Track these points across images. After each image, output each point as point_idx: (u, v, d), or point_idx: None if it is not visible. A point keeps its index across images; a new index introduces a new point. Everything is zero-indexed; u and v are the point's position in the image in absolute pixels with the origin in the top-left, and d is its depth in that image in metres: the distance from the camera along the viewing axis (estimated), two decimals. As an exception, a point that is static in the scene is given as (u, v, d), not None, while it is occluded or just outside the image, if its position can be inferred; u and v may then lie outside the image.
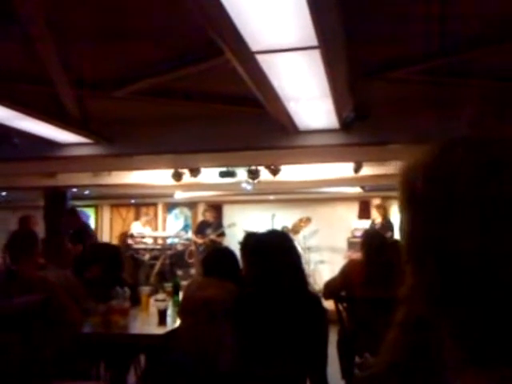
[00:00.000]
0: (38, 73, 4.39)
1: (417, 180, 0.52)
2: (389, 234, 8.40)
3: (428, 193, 0.50)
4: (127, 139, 6.00)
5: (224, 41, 3.23)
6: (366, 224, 9.81)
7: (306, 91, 4.32)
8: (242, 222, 10.32)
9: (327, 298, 4.08)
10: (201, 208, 11.77)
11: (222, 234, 10.17)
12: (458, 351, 0.49)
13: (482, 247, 0.46)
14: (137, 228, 11.00)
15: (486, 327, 0.46)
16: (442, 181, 0.50)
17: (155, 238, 11.24)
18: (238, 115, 5.42)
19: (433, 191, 0.50)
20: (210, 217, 10.44)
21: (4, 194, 10.34)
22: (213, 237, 9.99)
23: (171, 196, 10.95)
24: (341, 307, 4.11)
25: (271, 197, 11.01)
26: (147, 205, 12.43)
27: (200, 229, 10.41)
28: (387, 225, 9.16)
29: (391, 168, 6.91)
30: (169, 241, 11.35)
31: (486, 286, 0.46)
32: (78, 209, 12.32)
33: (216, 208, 11.40)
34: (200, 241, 10.10)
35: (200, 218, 11.24)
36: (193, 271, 10.25)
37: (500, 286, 0.45)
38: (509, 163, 0.48)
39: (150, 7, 3.41)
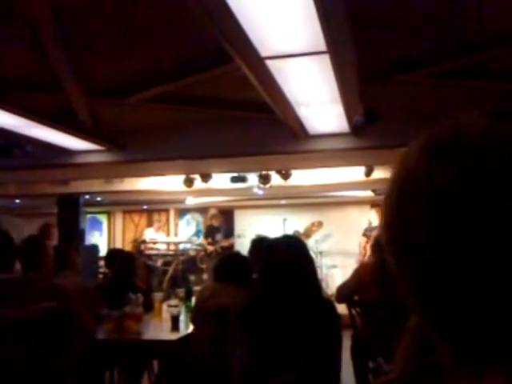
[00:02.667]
0: (51, 81, 4.44)
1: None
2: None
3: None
4: (139, 146, 6.04)
5: (234, 47, 3.25)
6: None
7: (315, 96, 4.33)
8: (254, 227, 10.31)
9: (339, 301, 4.07)
10: (211, 213, 11.79)
11: (231, 246, 10.12)
12: (451, 357, 0.49)
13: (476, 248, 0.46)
14: (150, 234, 11.05)
15: (480, 329, 0.46)
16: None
17: (167, 244, 11.27)
18: (248, 121, 5.44)
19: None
20: (215, 222, 10.44)
21: (18, 201, 10.44)
22: (224, 244, 9.99)
23: (183, 202, 10.99)
24: (354, 312, 4.10)
25: (282, 201, 11.01)
26: (159, 211, 12.48)
27: (208, 233, 10.41)
28: None
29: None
30: (181, 246, 11.38)
31: (478, 288, 0.46)
32: (90, 215, 12.47)
33: (227, 213, 11.41)
34: (211, 248, 10.10)
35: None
36: (205, 276, 10.26)
37: (495, 288, 0.45)
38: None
39: (161, 15, 3.43)
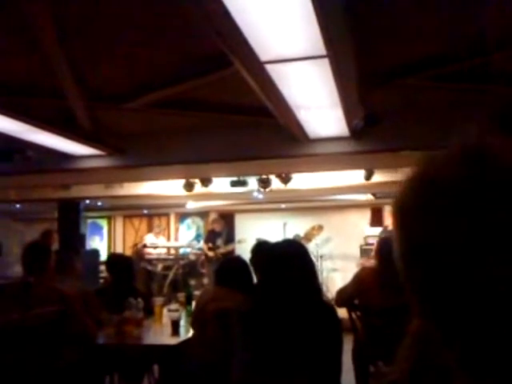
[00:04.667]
0: (51, 86, 4.44)
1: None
2: None
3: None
4: (139, 150, 6.05)
5: (233, 51, 3.25)
6: (378, 231, 9.77)
7: (315, 100, 4.33)
8: (254, 231, 10.32)
9: (339, 305, 4.06)
10: (213, 217, 11.79)
11: (232, 251, 10.11)
12: (454, 362, 0.48)
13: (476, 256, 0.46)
14: (150, 239, 11.05)
15: (482, 339, 0.46)
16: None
17: (168, 248, 11.27)
18: (248, 125, 5.44)
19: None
20: (217, 227, 10.43)
21: (18, 206, 10.44)
22: (223, 250, 9.99)
23: (183, 206, 10.99)
24: (354, 316, 4.09)
25: (283, 205, 11.01)
26: (159, 215, 12.48)
27: (209, 238, 10.40)
28: None
29: (402, 175, 6.88)
30: (181, 251, 11.37)
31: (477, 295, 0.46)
32: (91, 220, 12.47)
33: (227, 217, 11.41)
34: (211, 254, 10.08)
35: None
36: (205, 281, 10.25)
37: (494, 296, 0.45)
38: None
39: (160, 20, 3.44)
